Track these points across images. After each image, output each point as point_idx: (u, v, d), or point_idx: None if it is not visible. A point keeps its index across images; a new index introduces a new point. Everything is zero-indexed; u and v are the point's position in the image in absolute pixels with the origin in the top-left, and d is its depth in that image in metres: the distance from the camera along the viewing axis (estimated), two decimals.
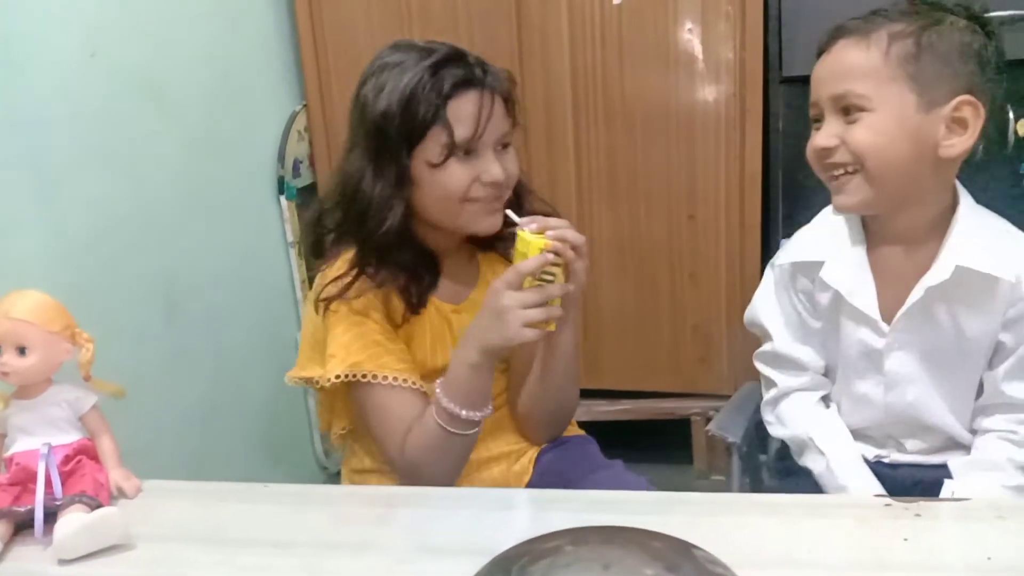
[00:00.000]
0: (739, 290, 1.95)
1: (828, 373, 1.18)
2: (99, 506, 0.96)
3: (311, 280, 2.10)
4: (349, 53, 2.06)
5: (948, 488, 1.05)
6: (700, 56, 1.88)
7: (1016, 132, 1.73)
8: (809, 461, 1.14)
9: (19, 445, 1.01)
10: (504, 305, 1.02)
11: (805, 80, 1.75)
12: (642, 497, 0.96)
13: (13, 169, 1.32)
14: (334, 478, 2.22)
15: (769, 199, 1.91)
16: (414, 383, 1.15)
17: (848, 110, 1.01)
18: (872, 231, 1.10)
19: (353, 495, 1.04)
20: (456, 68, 1.11)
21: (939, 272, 1.03)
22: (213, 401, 1.79)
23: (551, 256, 1.02)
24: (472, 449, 1.15)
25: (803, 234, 1.18)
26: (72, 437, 1.03)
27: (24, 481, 0.98)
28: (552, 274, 1.04)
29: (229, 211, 1.87)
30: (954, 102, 0.99)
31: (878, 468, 1.12)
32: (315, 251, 1.25)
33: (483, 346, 1.06)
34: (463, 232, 1.20)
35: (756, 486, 1.30)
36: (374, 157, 1.13)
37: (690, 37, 1.87)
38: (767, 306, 1.19)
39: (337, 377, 1.13)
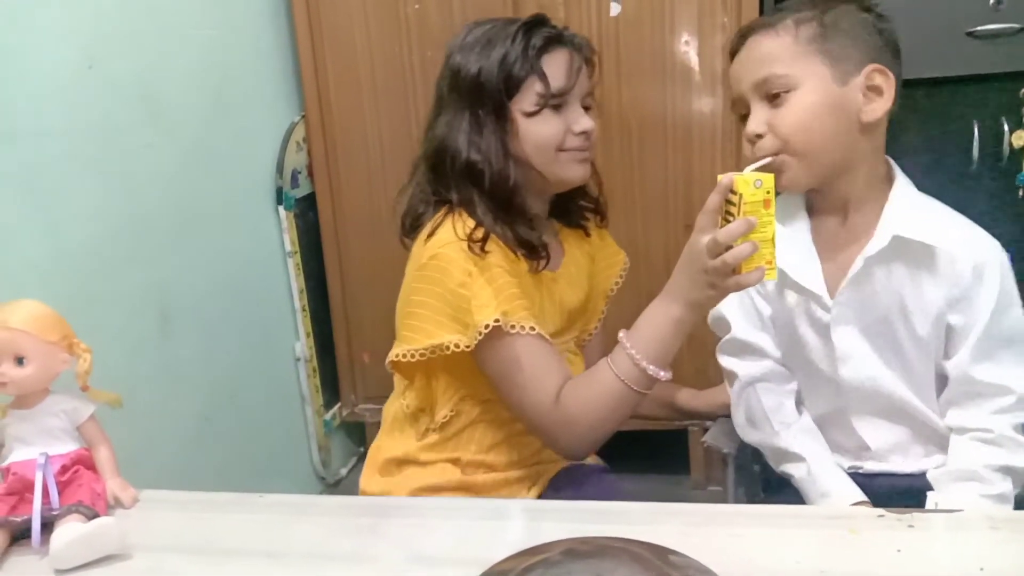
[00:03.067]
0: None
1: (786, 365, 1.18)
2: (96, 516, 0.96)
3: (309, 289, 2.13)
4: (347, 64, 2.07)
5: (931, 500, 1.05)
6: (696, 67, 1.89)
7: (1011, 143, 1.74)
8: (789, 468, 1.13)
9: (16, 455, 1.01)
10: (701, 250, 0.99)
11: None
12: (634, 508, 0.96)
13: (9, 180, 1.33)
14: (331, 488, 2.22)
15: None
16: (549, 336, 1.17)
17: (772, 95, 1.05)
18: (813, 205, 1.14)
19: (347, 506, 1.04)
20: (544, 28, 1.20)
21: (877, 241, 1.06)
22: (210, 411, 1.79)
23: (725, 188, 0.97)
24: (634, 412, 1.14)
25: None
26: (69, 447, 1.03)
27: (21, 491, 0.98)
28: (731, 214, 0.97)
29: (227, 222, 1.88)
30: (866, 70, 1.05)
31: (854, 479, 1.11)
32: (414, 225, 1.25)
33: (688, 299, 1.04)
34: (558, 180, 1.22)
35: (752, 497, 1.30)
36: (475, 116, 1.19)
37: (687, 49, 1.88)
38: (739, 309, 1.19)
39: (487, 327, 1.10)
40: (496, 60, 1.17)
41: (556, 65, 1.18)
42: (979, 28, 1.69)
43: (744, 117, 1.10)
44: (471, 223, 1.17)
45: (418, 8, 2.00)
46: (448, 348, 1.14)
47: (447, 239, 1.16)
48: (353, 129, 2.10)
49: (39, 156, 1.38)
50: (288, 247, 2.08)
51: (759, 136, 1.06)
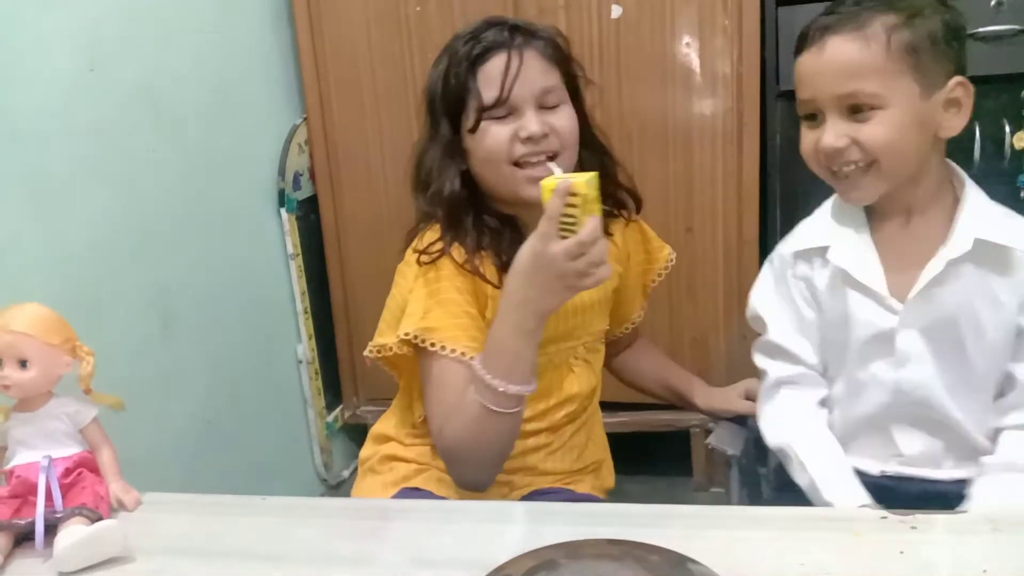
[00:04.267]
0: (737, 303, 1.95)
1: (825, 372, 1.15)
2: (99, 518, 0.96)
3: (311, 291, 2.14)
4: (349, 66, 2.08)
5: (977, 489, 1.03)
6: (697, 70, 1.89)
7: (1013, 145, 1.74)
8: (795, 475, 1.12)
9: (20, 458, 1.01)
10: (556, 257, 0.99)
11: None
12: (637, 510, 0.96)
13: (11, 183, 1.33)
14: (333, 490, 2.22)
15: (767, 213, 1.92)
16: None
17: (857, 108, 1.01)
18: (873, 211, 1.10)
19: (349, 508, 1.04)
20: (488, 33, 1.15)
21: (959, 244, 1.02)
22: (212, 414, 1.79)
23: (565, 193, 0.97)
24: (516, 434, 1.11)
25: (804, 224, 1.17)
26: (72, 450, 1.03)
27: (24, 494, 0.98)
28: (573, 216, 0.98)
29: (229, 224, 1.88)
30: (951, 84, 1.01)
31: (881, 481, 1.10)
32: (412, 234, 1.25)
33: (539, 309, 1.04)
34: (517, 200, 1.17)
35: (755, 499, 1.30)
36: (429, 130, 1.20)
37: (687, 52, 1.89)
38: (766, 297, 1.17)
39: (406, 335, 1.11)
40: (439, 76, 1.17)
41: (491, 74, 1.13)
42: (980, 30, 1.69)
43: (810, 117, 1.05)
44: (434, 236, 1.17)
45: (419, 10, 2.01)
46: (391, 349, 1.16)
47: (415, 248, 1.18)
48: (354, 131, 2.11)
49: (41, 159, 1.39)
50: (290, 249, 2.08)
51: (837, 150, 1.02)
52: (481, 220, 1.18)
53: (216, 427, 1.79)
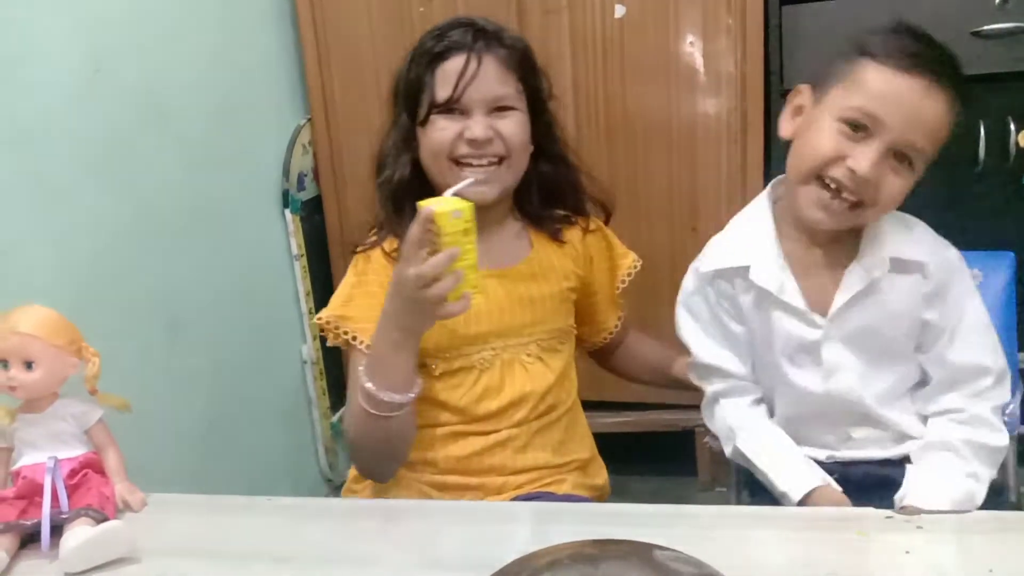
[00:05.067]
0: None
1: (757, 378, 1.19)
2: (105, 519, 0.97)
3: (316, 292, 2.14)
4: (353, 67, 2.08)
5: (909, 473, 1.09)
6: (701, 69, 1.89)
7: (1017, 144, 1.74)
8: (757, 475, 1.16)
9: (26, 459, 1.01)
10: (408, 281, 1.02)
11: None
12: (643, 510, 0.96)
13: (17, 185, 1.33)
14: (337, 491, 2.22)
15: None
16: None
17: (900, 155, 1.03)
18: (780, 228, 1.14)
19: (355, 508, 1.04)
20: (453, 33, 1.18)
21: (875, 264, 1.09)
22: (217, 415, 1.79)
23: (425, 220, 0.99)
24: (403, 438, 1.15)
25: (719, 241, 1.20)
26: (78, 451, 1.03)
27: (30, 495, 0.99)
28: (434, 244, 1.00)
29: (233, 225, 1.88)
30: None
31: (831, 467, 1.13)
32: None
33: (401, 324, 1.08)
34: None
35: (756, 498, 1.30)
36: (392, 118, 1.25)
37: (691, 50, 1.88)
38: (686, 318, 1.21)
39: (320, 319, 1.17)
40: (403, 68, 1.21)
41: (448, 73, 1.16)
42: (985, 28, 1.69)
43: (856, 126, 1.03)
44: (375, 230, 1.24)
45: (423, 11, 2.01)
46: (321, 329, 1.23)
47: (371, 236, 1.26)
48: (359, 131, 2.11)
49: (47, 162, 1.39)
50: (295, 250, 2.08)
51: (865, 180, 1.02)
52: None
53: (221, 428, 1.79)
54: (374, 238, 1.24)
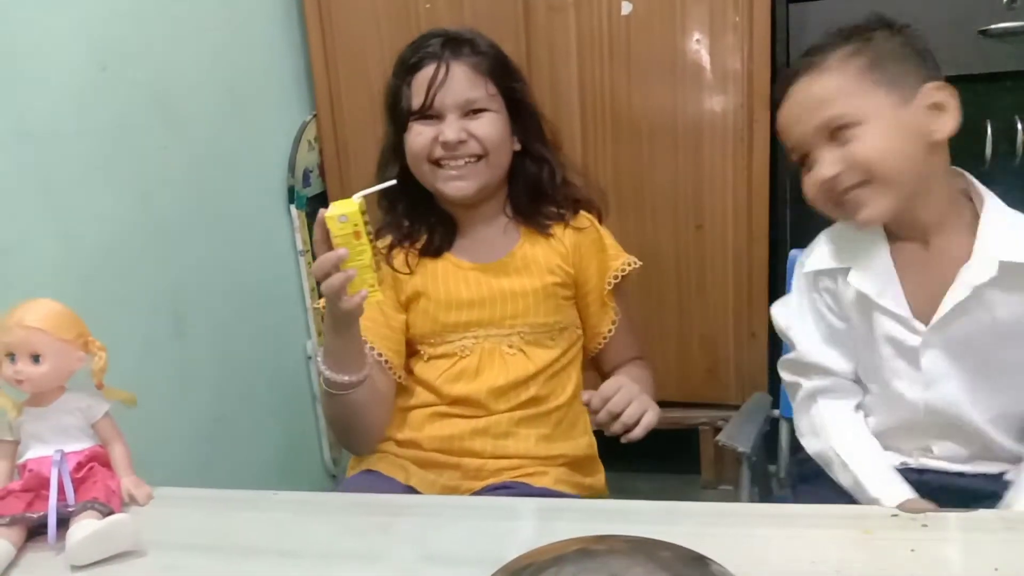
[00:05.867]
0: (747, 301, 1.95)
1: (858, 379, 1.15)
2: (111, 513, 0.97)
3: (319, 288, 2.13)
4: (359, 63, 2.08)
5: (1013, 497, 1.02)
6: (708, 67, 1.88)
7: None
8: (839, 476, 1.11)
9: (32, 452, 1.02)
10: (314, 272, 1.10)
11: None
12: (648, 507, 0.96)
13: (23, 181, 1.34)
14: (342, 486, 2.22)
15: (777, 210, 1.91)
16: (375, 350, 1.26)
17: (838, 133, 1.02)
18: (891, 229, 1.10)
19: (359, 504, 1.04)
20: (424, 46, 1.27)
21: (984, 269, 1.01)
22: (222, 410, 1.80)
23: (319, 224, 1.06)
24: (361, 413, 1.23)
25: (825, 239, 1.16)
26: (84, 444, 1.04)
27: (37, 488, 0.99)
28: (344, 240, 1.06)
29: (238, 221, 1.89)
30: (924, 89, 1.02)
31: (903, 474, 1.08)
32: None
33: (330, 310, 1.13)
34: (438, 194, 1.30)
35: (765, 497, 1.30)
36: (386, 127, 1.33)
37: (698, 48, 1.88)
38: (791, 314, 1.17)
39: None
40: (389, 80, 1.30)
41: (419, 82, 1.25)
42: (992, 27, 1.69)
43: (804, 161, 1.06)
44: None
45: (429, 7, 2.01)
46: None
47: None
48: (364, 128, 2.11)
49: (53, 157, 1.39)
50: (300, 246, 2.08)
51: (833, 178, 1.03)
52: (416, 211, 1.33)
53: (225, 422, 1.80)
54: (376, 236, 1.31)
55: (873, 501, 1.04)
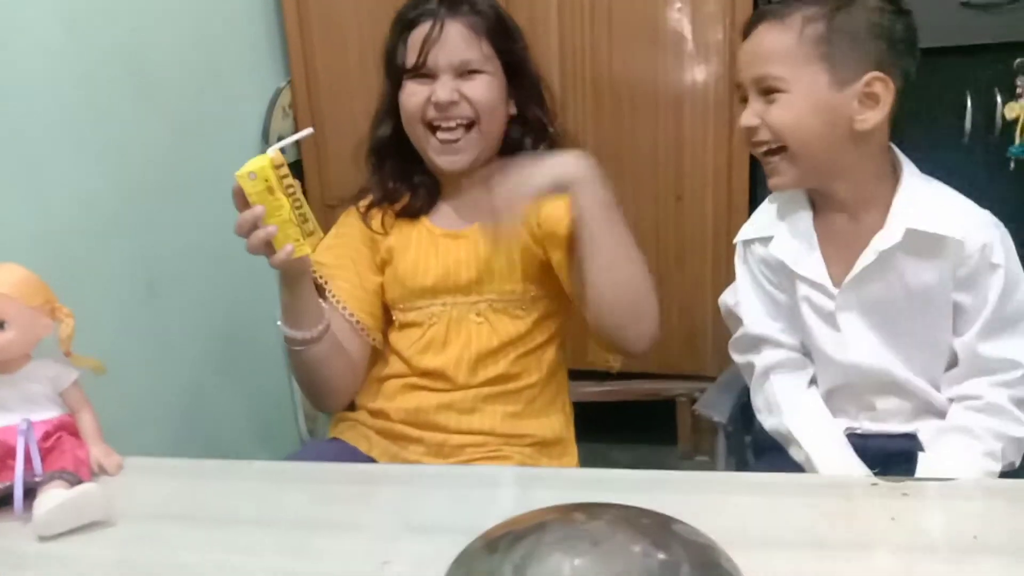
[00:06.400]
0: (725, 272, 1.94)
1: (805, 351, 1.18)
2: (80, 482, 0.95)
3: None
4: (334, 28, 2.04)
5: (923, 459, 1.07)
6: (690, 36, 1.86)
7: (1003, 116, 1.73)
8: (793, 453, 1.14)
9: None
10: None
11: None
12: (628, 475, 0.95)
13: None
14: None
15: (756, 180, 1.90)
16: (347, 311, 1.26)
17: (767, 91, 1.06)
18: (816, 202, 1.15)
19: (335, 473, 1.03)
20: (422, 3, 1.24)
21: (890, 235, 1.07)
22: (196, 379, 1.78)
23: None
24: (318, 370, 1.21)
25: (763, 207, 1.22)
26: (52, 413, 1.01)
27: (2, 457, 0.96)
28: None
29: (212, 189, 1.83)
30: (865, 78, 1.03)
31: (850, 439, 1.13)
32: None
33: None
34: (429, 160, 1.27)
35: (741, 467, 1.30)
36: (382, 85, 1.30)
37: (680, 16, 1.86)
38: (738, 290, 1.21)
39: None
40: (387, 38, 1.27)
41: (414, 40, 1.22)
42: None
43: (744, 101, 1.10)
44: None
45: None
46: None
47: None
48: (340, 95, 2.07)
49: (23, 124, 1.36)
50: None
51: (750, 129, 1.08)
52: (403, 171, 1.31)
53: (199, 391, 1.78)
54: (349, 196, 1.35)
55: (812, 469, 1.07)
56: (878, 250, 1.07)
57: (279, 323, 1.18)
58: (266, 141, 2.02)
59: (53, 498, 0.91)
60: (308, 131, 1.12)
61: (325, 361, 1.21)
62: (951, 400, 1.11)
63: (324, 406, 1.31)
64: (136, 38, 1.61)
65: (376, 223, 1.31)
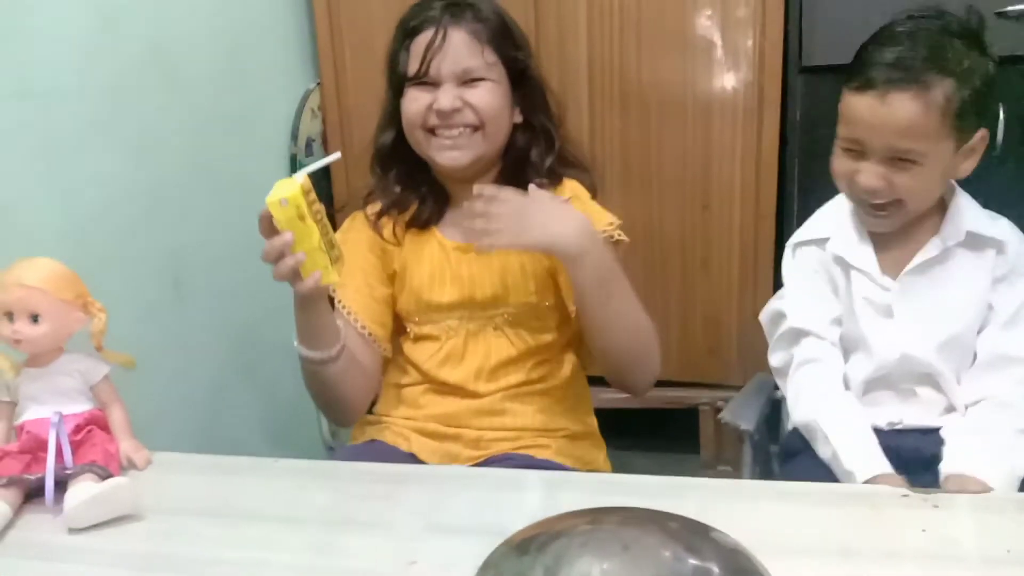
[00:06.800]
0: (752, 280, 1.94)
1: (842, 346, 1.22)
2: (109, 476, 0.96)
3: None
4: (364, 31, 2.05)
5: (945, 455, 1.10)
6: (719, 44, 1.86)
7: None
8: (819, 448, 1.15)
9: (30, 413, 1.01)
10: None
11: (825, 70, 1.76)
12: (655, 481, 0.95)
13: (23, 139, 1.32)
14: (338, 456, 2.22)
15: (785, 189, 1.89)
16: (358, 322, 1.25)
17: (899, 160, 1.10)
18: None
19: (361, 472, 1.03)
20: (426, 10, 1.23)
21: (953, 234, 1.17)
22: (220, 377, 1.79)
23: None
24: (335, 387, 1.20)
25: (813, 218, 1.29)
26: (83, 407, 1.02)
27: (34, 449, 0.98)
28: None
29: (240, 187, 1.86)
30: (977, 136, 1.12)
31: (887, 437, 1.14)
32: None
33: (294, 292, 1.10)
34: (432, 163, 1.25)
35: (766, 476, 1.30)
36: (386, 92, 1.30)
37: (709, 24, 1.85)
38: (788, 287, 1.26)
39: None
40: (390, 46, 1.27)
41: (416, 47, 1.21)
42: (1010, 8, 1.66)
43: (851, 152, 1.14)
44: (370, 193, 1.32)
45: None
46: None
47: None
48: (368, 97, 2.06)
49: (54, 117, 1.37)
50: None
51: (874, 190, 1.12)
52: (408, 180, 1.29)
53: (225, 390, 1.79)
54: (363, 198, 1.32)
55: (847, 474, 1.08)
56: (941, 246, 1.16)
57: (296, 344, 1.16)
58: (295, 142, 2.03)
59: (84, 491, 0.92)
60: (336, 156, 1.10)
61: (342, 377, 1.19)
62: (970, 402, 1.16)
63: (340, 420, 1.30)
64: (167, 38, 1.63)
65: (388, 232, 1.29)
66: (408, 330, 1.30)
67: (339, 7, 2.05)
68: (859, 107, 1.10)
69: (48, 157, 1.36)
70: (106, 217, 1.47)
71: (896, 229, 1.17)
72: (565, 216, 1.13)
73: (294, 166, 2.03)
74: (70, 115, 1.40)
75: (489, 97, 1.21)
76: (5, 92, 1.29)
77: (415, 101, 1.21)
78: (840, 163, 1.15)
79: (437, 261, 1.27)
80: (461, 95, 1.20)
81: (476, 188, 1.13)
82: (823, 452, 1.13)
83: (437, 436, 1.25)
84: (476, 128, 1.21)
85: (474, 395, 1.25)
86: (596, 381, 1.48)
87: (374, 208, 1.30)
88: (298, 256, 1.02)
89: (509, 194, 1.13)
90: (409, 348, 1.30)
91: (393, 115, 1.27)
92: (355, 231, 1.30)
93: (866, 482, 1.05)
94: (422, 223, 1.28)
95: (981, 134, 1.12)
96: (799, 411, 1.19)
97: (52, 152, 1.37)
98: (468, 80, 1.21)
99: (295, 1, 2.07)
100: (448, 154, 1.22)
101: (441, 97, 1.19)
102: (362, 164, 2.08)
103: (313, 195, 1.02)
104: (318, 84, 2.11)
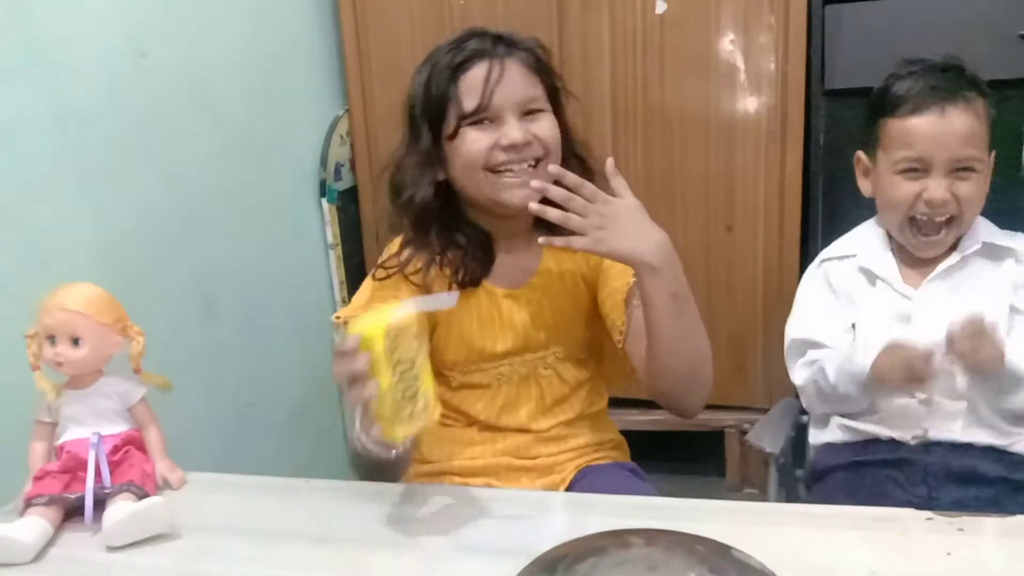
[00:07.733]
0: (776, 302, 1.94)
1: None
2: (146, 495, 0.98)
3: (349, 281, 2.15)
4: (392, 59, 2.09)
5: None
6: (742, 67, 1.88)
7: None
8: (830, 373, 1.23)
9: (70, 434, 1.03)
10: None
11: (847, 93, 1.77)
12: (681, 504, 0.96)
13: (59, 164, 1.36)
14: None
15: (808, 212, 1.90)
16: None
17: (961, 170, 1.21)
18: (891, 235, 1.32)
19: (392, 493, 1.05)
20: (471, 42, 1.15)
21: (970, 245, 1.26)
22: (248, 398, 1.82)
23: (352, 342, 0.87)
24: (389, 471, 1.09)
25: (844, 238, 1.38)
26: (121, 428, 1.05)
27: (74, 469, 1.00)
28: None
29: (269, 212, 1.90)
30: (991, 156, 1.24)
31: (913, 452, 1.20)
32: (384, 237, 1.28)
33: None
34: (497, 204, 1.16)
35: (792, 499, 1.30)
36: (408, 138, 1.20)
37: (732, 48, 1.87)
38: (805, 297, 1.35)
39: (339, 318, 1.18)
40: (421, 84, 1.17)
41: (473, 82, 1.13)
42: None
43: (912, 172, 1.23)
44: (394, 248, 1.21)
45: (463, 3, 2.01)
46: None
47: (385, 255, 1.22)
48: (396, 123, 2.08)
49: (89, 142, 1.41)
50: (330, 239, 2.10)
51: (943, 203, 1.21)
52: (448, 233, 1.19)
53: (254, 411, 1.81)
54: (394, 263, 1.20)
55: (862, 368, 1.18)
56: (961, 254, 1.25)
57: (361, 444, 0.93)
58: (324, 167, 2.07)
59: (121, 510, 0.94)
60: (455, 296, 1.00)
61: (406, 461, 1.13)
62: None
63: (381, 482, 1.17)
64: (201, 64, 1.68)
65: (439, 287, 1.18)
66: (449, 377, 1.23)
67: (367, 35, 2.09)
68: (920, 127, 1.21)
69: (83, 181, 1.41)
70: (138, 239, 1.51)
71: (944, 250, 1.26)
72: (649, 227, 1.09)
73: (323, 191, 2.07)
74: (105, 140, 1.45)
75: (551, 128, 1.17)
76: (44, 119, 1.34)
77: (476, 141, 1.13)
78: (901, 188, 1.23)
79: (485, 309, 1.21)
80: (527, 128, 1.14)
81: (552, 168, 1.06)
82: (839, 378, 1.21)
83: (513, 469, 1.21)
84: (538, 161, 1.15)
85: (535, 432, 1.23)
86: (623, 403, 1.49)
87: (415, 267, 1.18)
88: (370, 390, 0.87)
89: (603, 195, 1.06)
90: (449, 396, 1.23)
91: (428, 164, 1.17)
92: (390, 288, 1.19)
93: (883, 352, 1.15)
94: (475, 281, 1.19)
95: (993, 155, 1.24)
96: (806, 372, 1.29)
97: (87, 176, 1.41)
98: (527, 112, 1.15)
99: (324, 29, 2.12)
100: (519, 192, 1.12)
101: (510, 131, 1.12)
102: None
103: (407, 335, 0.89)
104: (346, 111, 2.15)
